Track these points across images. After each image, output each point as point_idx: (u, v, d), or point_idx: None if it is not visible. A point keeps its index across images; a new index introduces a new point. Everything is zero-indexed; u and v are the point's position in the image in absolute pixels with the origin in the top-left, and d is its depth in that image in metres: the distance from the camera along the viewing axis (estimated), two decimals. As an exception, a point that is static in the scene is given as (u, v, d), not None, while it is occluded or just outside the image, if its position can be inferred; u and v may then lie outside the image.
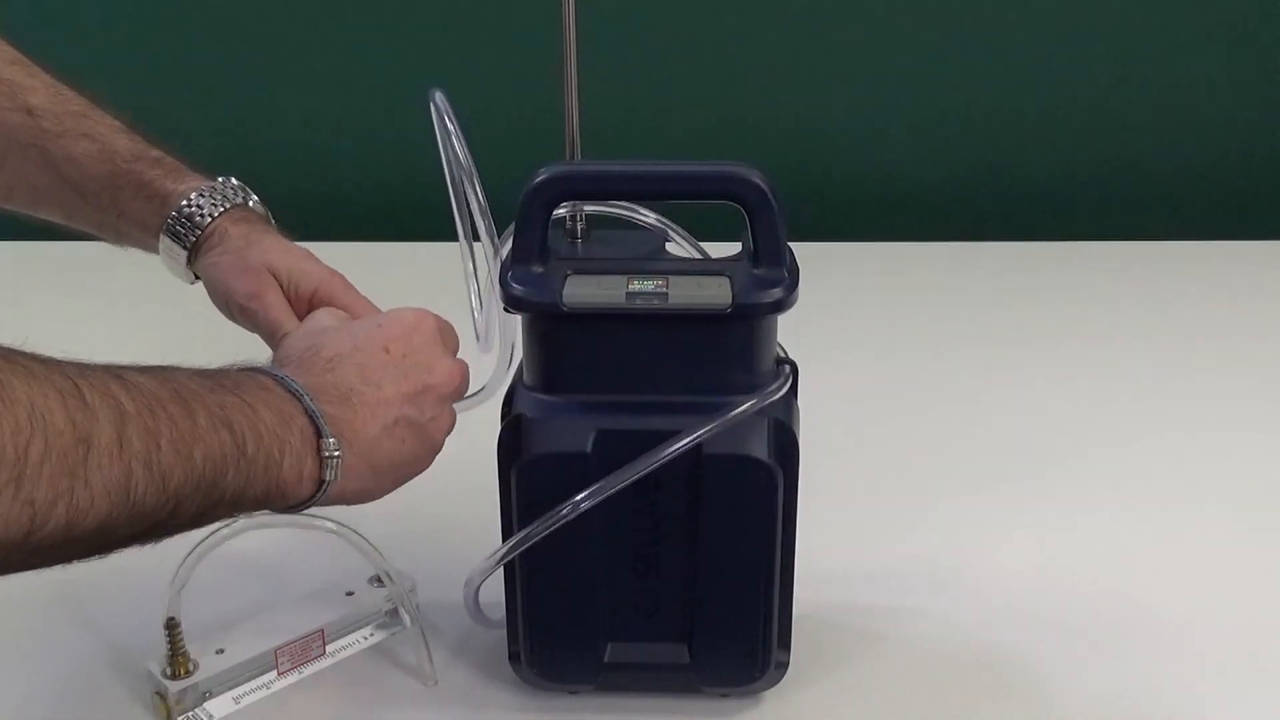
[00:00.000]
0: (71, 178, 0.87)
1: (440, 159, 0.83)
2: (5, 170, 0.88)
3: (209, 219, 0.86)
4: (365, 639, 0.92)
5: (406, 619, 0.91)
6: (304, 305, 0.87)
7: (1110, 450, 1.18)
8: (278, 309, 0.84)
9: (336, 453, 0.70)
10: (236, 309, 0.85)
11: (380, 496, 0.78)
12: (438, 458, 1.11)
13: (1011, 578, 1.00)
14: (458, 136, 0.82)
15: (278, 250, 0.87)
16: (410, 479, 0.79)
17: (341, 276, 0.89)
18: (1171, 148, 1.70)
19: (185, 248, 0.86)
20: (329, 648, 0.90)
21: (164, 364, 0.66)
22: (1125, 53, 1.65)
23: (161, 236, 0.87)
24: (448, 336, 0.82)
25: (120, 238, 0.90)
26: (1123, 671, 0.90)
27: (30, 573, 1.00)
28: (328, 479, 0.70)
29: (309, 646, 0.89)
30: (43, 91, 0.88)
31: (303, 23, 1.64)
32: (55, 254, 1.55)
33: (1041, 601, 0.97)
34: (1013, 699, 0.88)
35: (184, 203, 0.86)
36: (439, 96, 0.83)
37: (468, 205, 0.83)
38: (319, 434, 0.69)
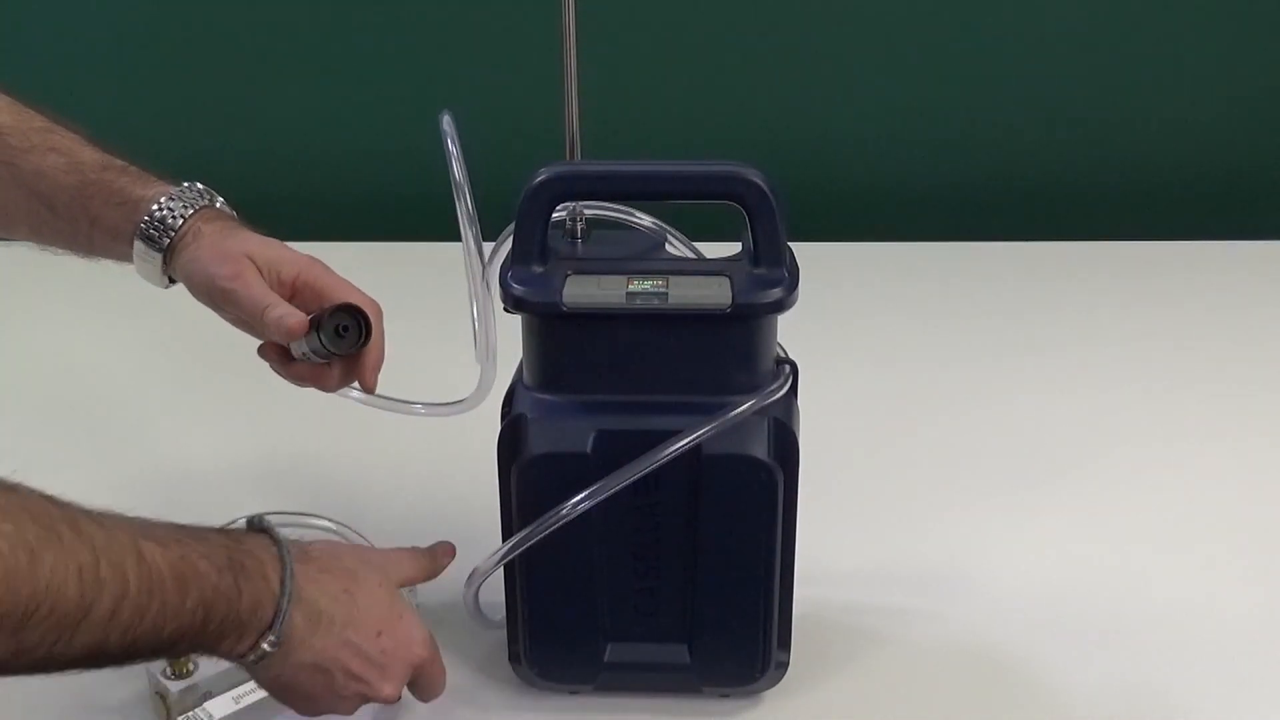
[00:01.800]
0: (41, 191, 0.88)
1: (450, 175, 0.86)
2: None
3: (180, 220, 0.87)
4: None
5: None
6: (286, 290, 0.87)
7: (1110, 449, 1.18)
8: (257, 287, 0.84)
9: (267, 651, 0.74)
10: (218, 293, 0.85)
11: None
12: (437, 458, 1.12)
13: (1012, 577, 1.00)
14: (458, 160, 0.85)
15: (255, 240, 0.87)
16: (295, 710, 0.81)
17: (321, 262, 0.89)
18: (1171, 148, 1.70)
19: (159, 250, 0.87)
20: None
21: (197, 526, 0.73)
22: (1125, 53, 1.65)
23: (135, 241, 0.88)
24: (426, 675, 0.84)
25: (91, 248, 0.91)
26: (1123, 672, 0.90)
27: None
28: (248, 661, 0.75)
29: None
30: (5, 110, 0.90)
31: (304, 23, 1.64)
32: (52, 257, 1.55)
33: (1041, 602, 0.97)
34: (1013, 699, 0.88)
35: (154, 207, 0.87)
36: (446, 120, 0.86)
37: (464, 221, 0.86)
38: (271, 631, 0.74)
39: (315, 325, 0.83)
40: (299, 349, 0.85)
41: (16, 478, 0.65)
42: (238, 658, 0.74)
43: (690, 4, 1.63)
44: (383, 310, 0.87)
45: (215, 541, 0.73)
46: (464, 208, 0.85)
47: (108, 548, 0.65)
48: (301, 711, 0.81)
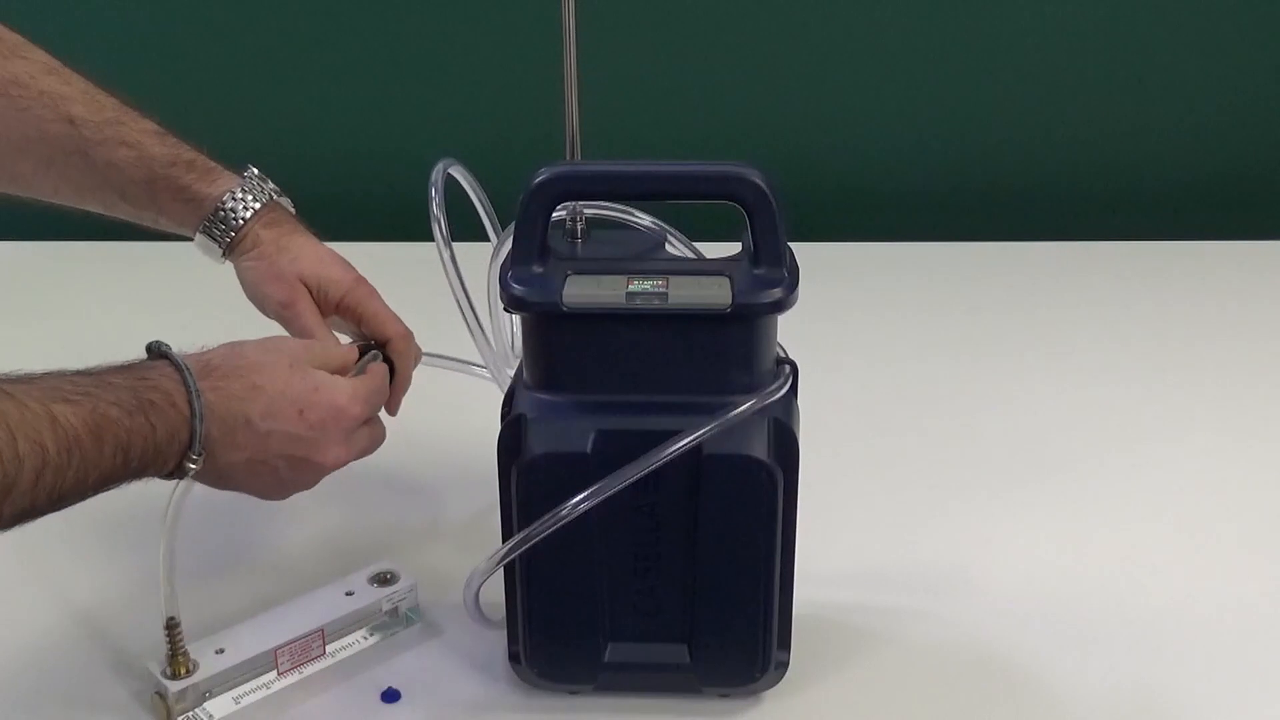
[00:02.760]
0: (113, 181, 0.93)
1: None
2: (51, 173, 0.93)
3: (241, 222, 0.93)
4: (365, 639, 0.92)
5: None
6: (330, 310, 0.94)
7: (1111, 450, 1.18)
8: (308, 317, 0.92)
9: (193, 468, 0.78)
10: (272, 313, 0.93)
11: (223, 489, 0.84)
12: (437, 459, 1.12)
13: (1012, 577, 1.00)
14: (440, 207, 0.93)
15: (308, 258, 0.94)
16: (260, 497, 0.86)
17: (367, 284, 0.95)
18: (1172, 148, 1.70)
19: (220, 245, 0.94)
20: (329, 648, 0.90)
21: (104, 369, 0.76)
22: (1125, 53, 1.65)
23: (198, 235, 0.95)
24: (362, 434, 0.87)
25: (157, 226, 0.97)
26: (1123, 672, 0.90)
27: (31, 573, 1.00)
28: (179, 478, 0.79)
29: (309, 646, 0.89)
30: (80, 100, 0.94)
31: (304, 23, 1.64)
32: (73, 252, 1.55)
33: (1041, 602, 0.97)
34: (1012, 699, 0.88)
35: (215, 208, 0.93)
36: (437, 172, 0.93)
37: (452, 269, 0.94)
38: (191, 450, 0.77)
39: None
40: None
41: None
42: (168, 477, 0.78)
43: (690, 4, 1.63)
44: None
45: (122, 385, 0.75)
46: (451, 266, 0.94)
47: (21, 422, 0.68)
48: (268, 498, 0.85)
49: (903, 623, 0.95)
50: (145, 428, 0.74)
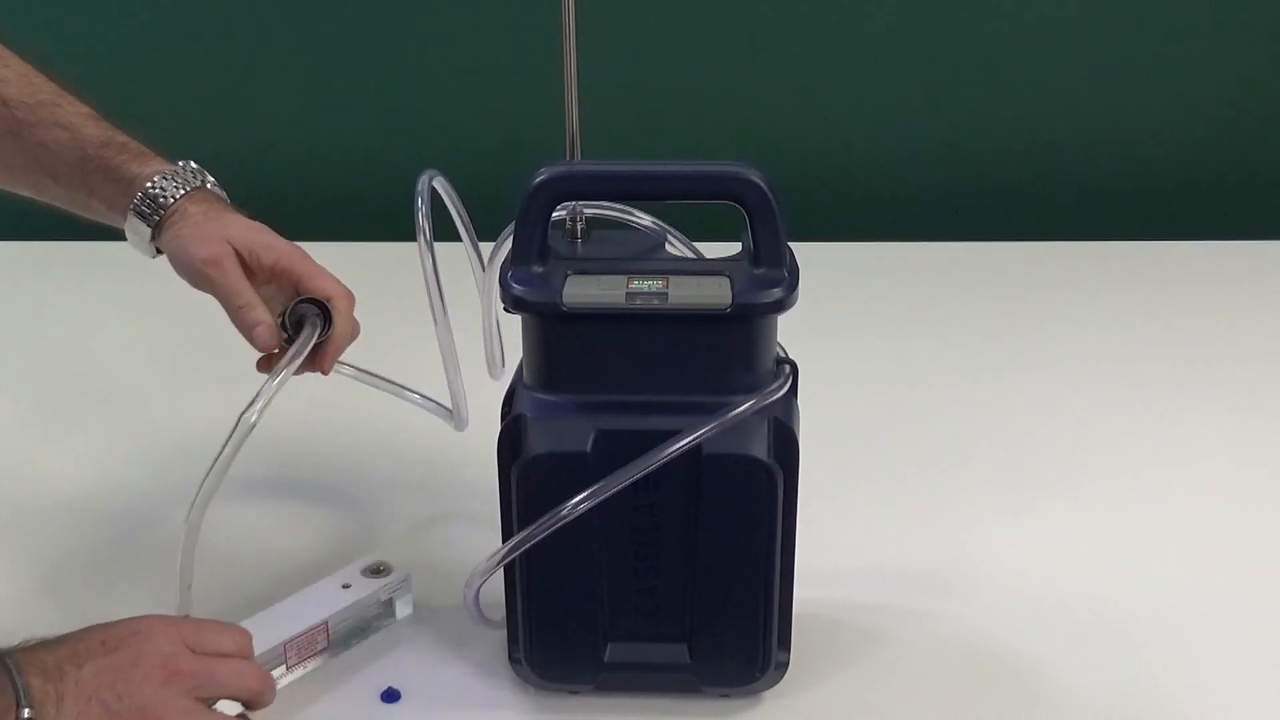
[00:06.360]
0: (45, 162, 0.93)
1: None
2: None
3: (171, 199, 0.91)
4: (363, 630, 0.92)
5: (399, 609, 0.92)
6: (265, 275, 0.91)
7: (1111, 449, 1.18)
8: (234, 276, 0.89)
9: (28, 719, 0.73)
10: (197, 275, 0.90)
11: None
12: (437, 459, 1.12)
13: (1012, 577, 1.00)
14: (426, 217, 0.91)
15: (238, 225, 0.92)
16: None
17: (303, 251, 0.93)
18: (1171, 148, 1.70)
19: (150, 225, 0.91)
20: (331, 640, 0.91)
21: None
22: (1125, 53, 1.65)
23: (128, 215, 0.92)
24: (180, 637, 0.80)
25: (89, 213, 0.96)
26: (1123, 672, 0.90)
27: (32, 572, 1.00)
28: None
29: (314, 639, 0.89)
30: (15, 82, 0.94)
31: (304, 22, 1.64)
32: (50, 254, 1.55)
33: (1041, 602, 0.97)
34: (1013, 699, 0.88)
35: (148, 184, 0.91)
36: (422, 182, 0.92)
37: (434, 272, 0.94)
38: (18, 703, 0.73)
39: (281, 317, 0.89)
40: None
41: (19, 470, 0.66)
42: None
43: (690, 4, 1.63)
44: (355, 298, 0.92)
45: None
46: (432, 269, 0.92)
47: None
48: None
49: (903, 623, 0.95)
50: None
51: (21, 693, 0.74)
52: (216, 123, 1.67)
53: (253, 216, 0.94)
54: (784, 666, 0.86)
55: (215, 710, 0.80)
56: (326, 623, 0.90)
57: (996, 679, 0.90)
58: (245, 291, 0.89)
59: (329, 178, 1.71)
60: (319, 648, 0.90)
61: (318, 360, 0.91)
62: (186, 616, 0.86)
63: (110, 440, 1.20)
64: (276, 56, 1.66)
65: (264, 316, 0.88)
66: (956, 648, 0.93)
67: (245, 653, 0.83)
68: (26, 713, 0.73)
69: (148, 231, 0.92)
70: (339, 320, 0.90)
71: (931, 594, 0.98)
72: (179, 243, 0.90)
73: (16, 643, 0.78)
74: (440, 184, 0.93)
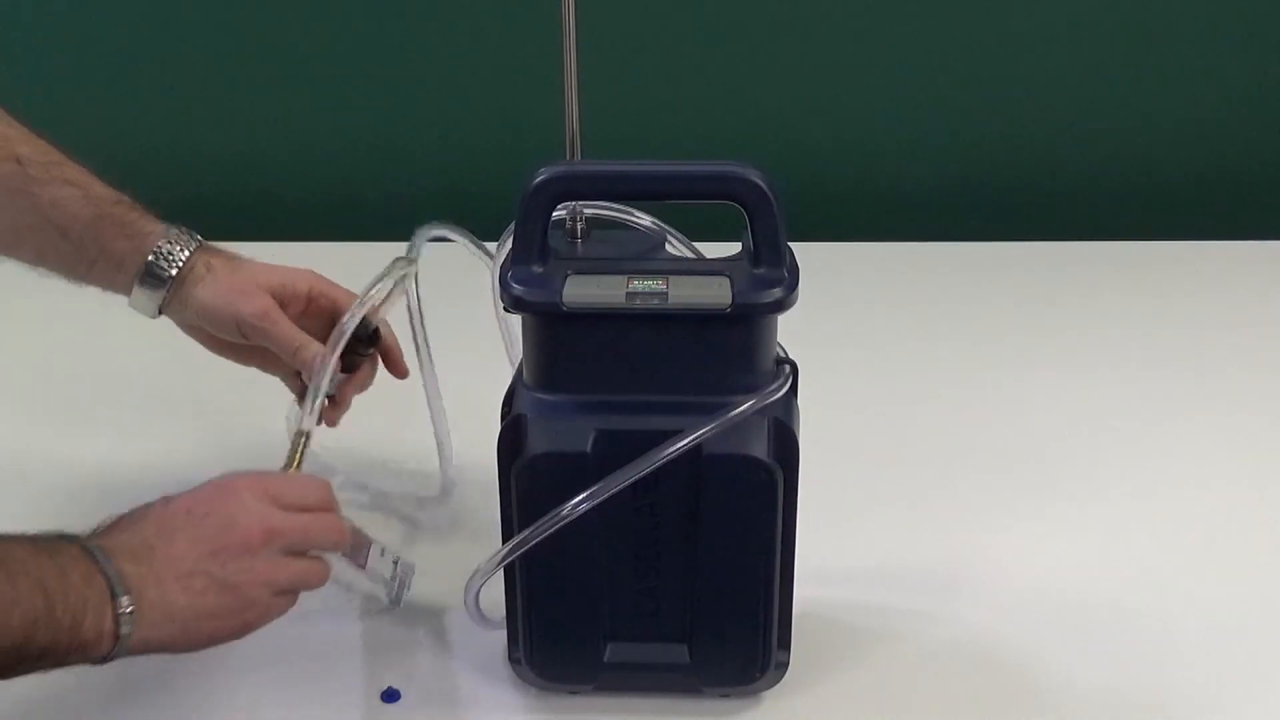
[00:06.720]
0: (56, 219, 0.94)
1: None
2: None
3: (189, 253, 0.95)
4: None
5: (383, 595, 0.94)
6: (302, 304, 0.96)
7: (1111, 450, 1.18)
8: (283, 322, 0.94)
9: (129, 609, 0.72)
10: (248, 329, 0.94)
11: (195, 647, 0.78)
12: (435, 459, 1.11)
13: (1012, 577, 1.00)
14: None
15: (261, 269, 0.96)
16: (227, 633, 0.78)
17: (314, 272, 0.98)
18: (1171, 148, 1.70)
19: (162, 281, 0.94)
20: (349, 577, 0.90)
21: (6, 535, 0.72)
22: (1125, 53, 1.65)
23: (139, 272, 0.94)
24: (267, 494, 0.81)
25: (89, 275, 0.97)
26: (1124, 672, 0.90)
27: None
28: (123, 633, 0.73)
29: (360, 544, 0.90)
30: (26, 141, 0.96)
31: (304, 22, 1.64)
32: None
33: (1042, 601, 0.97)
34: (1013, 699, 0.88)
35: (162, 241, 0.95)
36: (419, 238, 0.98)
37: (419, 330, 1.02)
38: (114, 593, 0.72)
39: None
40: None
41: (20, 472, 0.66)
42: (111, 637, 0.72)
43: (690, 4, 1.63)
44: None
45: (22, 540, 0.72)
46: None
47: None
48: (233, 625, 0.78)
49: (903, 623, 0.95)
50: (53, 568, 0.71)
51: (114, 581, 0.71)
52: (216, 123, 1.67)
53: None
54: (784, 666, 0.86)
55: (317, 557, 0.81)
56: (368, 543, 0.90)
57: (997, 679, 0.90)
58: (297, 335, 0.94)
59: (329, 178, 1.71)
60: (361, 559, 0.89)
61: (395, 368, 1.00)
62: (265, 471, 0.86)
63: (128, 440, 1.19)
64: (276, 57, 1.66)
65: (318, 348, 0.93)
66: (957, 647, 0.93)
67: (329, 505, 0.84)
68: (125, 600, 0.72)
69: (161, 289, 0.94)
70: (387, 332, 0.96)
71: (932, 594, 0.98)
72: (213, 296, 0.94)
73: (88, 530, 0.75)
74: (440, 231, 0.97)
